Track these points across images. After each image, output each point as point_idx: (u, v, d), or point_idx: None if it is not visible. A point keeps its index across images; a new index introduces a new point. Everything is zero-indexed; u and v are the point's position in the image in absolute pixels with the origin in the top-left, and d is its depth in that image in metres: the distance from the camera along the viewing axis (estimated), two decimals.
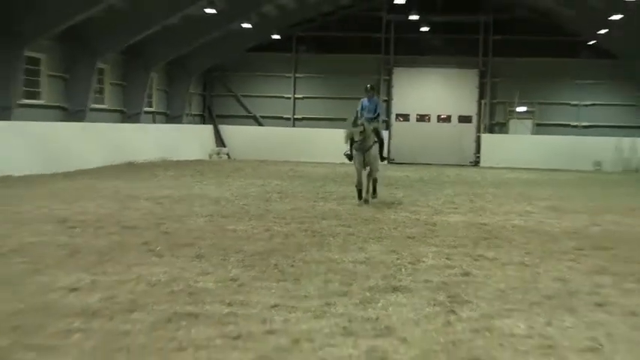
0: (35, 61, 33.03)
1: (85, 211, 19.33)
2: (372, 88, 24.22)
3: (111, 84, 39.92)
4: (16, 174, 28.46)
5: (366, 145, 21.62)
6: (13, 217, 17.81)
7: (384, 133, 26.05)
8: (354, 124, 21.32)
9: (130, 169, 34.95)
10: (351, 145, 22.38)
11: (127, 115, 40.92)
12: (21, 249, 13.71)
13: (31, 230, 15.84)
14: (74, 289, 10.72)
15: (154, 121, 46.00)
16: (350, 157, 22.28)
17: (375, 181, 23.20)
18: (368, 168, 22.66)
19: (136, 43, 38.42)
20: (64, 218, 17.77)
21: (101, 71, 38.32)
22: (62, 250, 13.77)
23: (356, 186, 22.10)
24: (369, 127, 21.56)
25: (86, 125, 37.00)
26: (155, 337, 8.53)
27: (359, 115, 22.47)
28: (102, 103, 38.74)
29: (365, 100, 23.55)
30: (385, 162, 24.37)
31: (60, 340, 8.34)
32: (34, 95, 33.13)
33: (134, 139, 40.31)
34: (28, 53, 31.67)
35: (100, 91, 38.66)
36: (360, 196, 21.85)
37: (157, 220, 18.06)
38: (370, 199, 22.71)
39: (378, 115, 23.73)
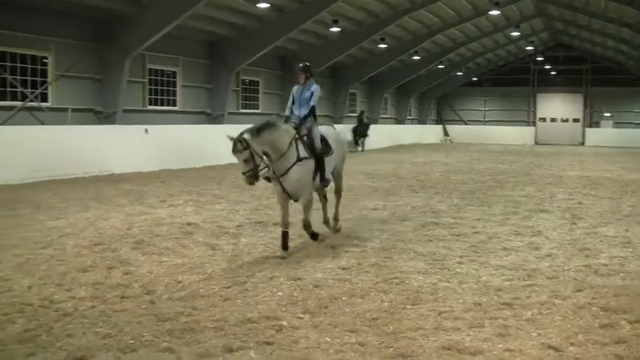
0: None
1: (378, 169, 19.45)
2: (305, 68, 7.57)
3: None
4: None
5: (282, 168, 6.93)
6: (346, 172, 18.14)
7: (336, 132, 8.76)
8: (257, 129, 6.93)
9: (400, 148, 34.52)
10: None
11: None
12: (350, 189, 13.91)
13: (354, 179, 16.08)
14: (375, 209, 10.86)
15: (412, 123, 45.28)
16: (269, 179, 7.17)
17: (306, 218, 7.42)
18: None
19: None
20: (369, 172, 17.97)
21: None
22: (368, 189, 13.96)
23: (281, 226, 7.09)
24: (282, 131, 7.11)
25: (378, 126, 36.82)
26: (416, 234, 8.48)
27: (290, 111, 7.65)
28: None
29: (295, 89, 7.75)
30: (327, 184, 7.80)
31: (368, 234, 8.43)
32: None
33: (400, 133, 39.55)
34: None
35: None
36: (283, 244, 6.88)
37: (416, 174, 17.87)
38: (334, 229, 8.33)
39: (313, 108, 7.51)
